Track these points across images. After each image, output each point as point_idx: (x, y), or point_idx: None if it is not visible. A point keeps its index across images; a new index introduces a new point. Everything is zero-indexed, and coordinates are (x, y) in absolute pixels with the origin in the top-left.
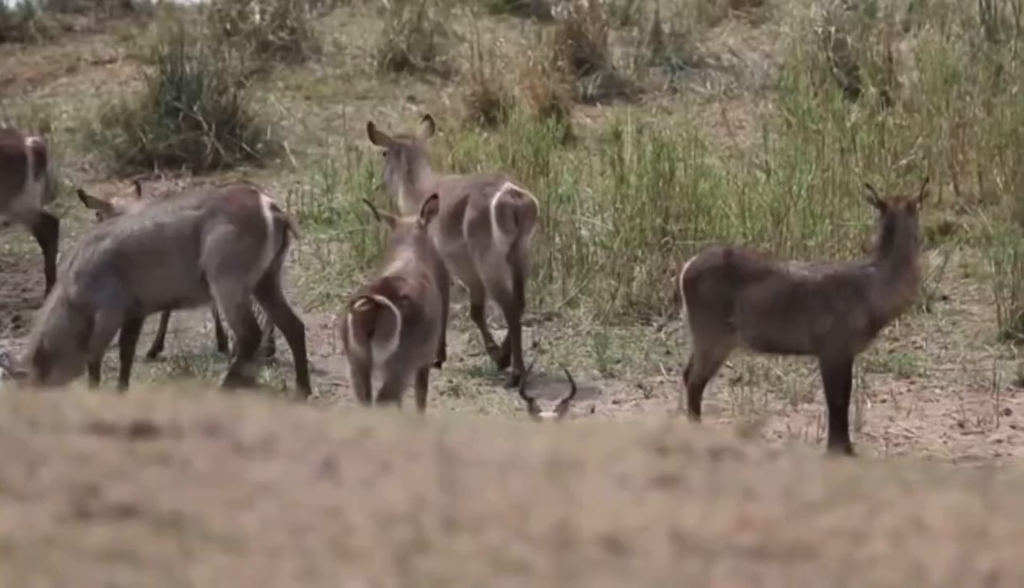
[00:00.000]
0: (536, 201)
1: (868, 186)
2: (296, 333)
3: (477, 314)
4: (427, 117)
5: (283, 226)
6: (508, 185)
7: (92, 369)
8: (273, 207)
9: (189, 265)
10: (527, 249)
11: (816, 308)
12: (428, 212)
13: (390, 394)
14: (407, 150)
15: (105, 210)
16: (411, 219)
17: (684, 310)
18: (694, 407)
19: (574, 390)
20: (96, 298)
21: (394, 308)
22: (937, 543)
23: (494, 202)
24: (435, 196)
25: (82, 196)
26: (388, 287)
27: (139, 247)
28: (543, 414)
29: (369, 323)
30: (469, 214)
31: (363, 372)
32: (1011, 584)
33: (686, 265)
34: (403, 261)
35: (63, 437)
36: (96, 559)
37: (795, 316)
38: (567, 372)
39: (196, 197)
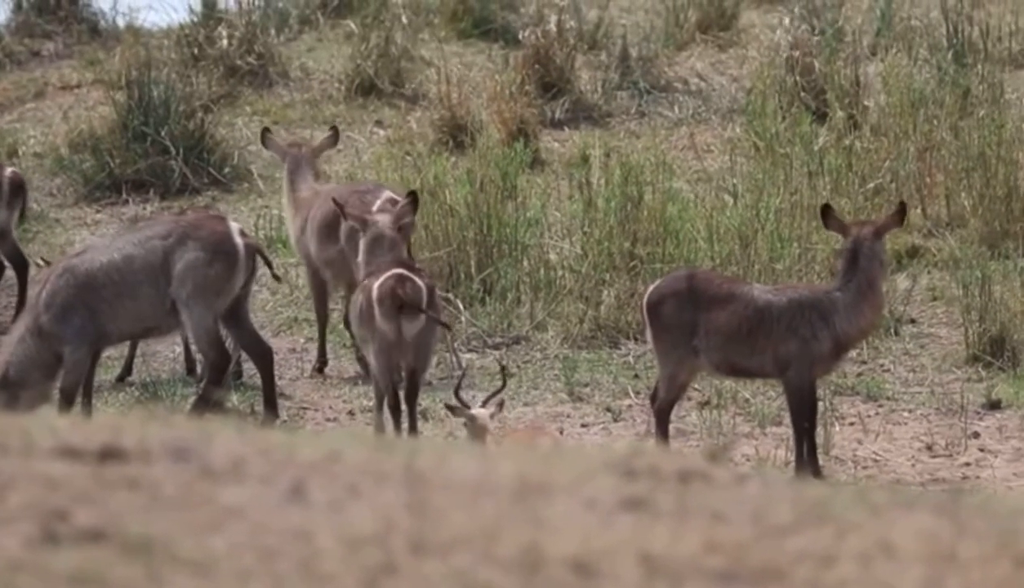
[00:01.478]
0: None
1: (826, 206)
2: (264, 358)
3: (348, 323)
4: (333, 127)
5: (252, 252)
6: (387, 194)
7: (65, 398)
8: (242, 232)
9: (160, 295)
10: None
11: (780, 332)
12: (399, 217)
13: (421, 369)
14: (291, 158)
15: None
16: (384, 220)
17: (649, 333)
18: (662, 430)
19: (505, 383)
20: (64, 331)
21: (420, 281)
22: (905, 566)
23: (373, 210)
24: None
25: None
26: (406, 265)
27: (108, 280)
28: (475, 411)
29: (397, 298)
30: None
31: (389, 351)
32: None
33: (650, 289)
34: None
35: (31, 461)
36: (65, 583)
37: (759, 340)
38: (500, 364)
39: (163, 226)
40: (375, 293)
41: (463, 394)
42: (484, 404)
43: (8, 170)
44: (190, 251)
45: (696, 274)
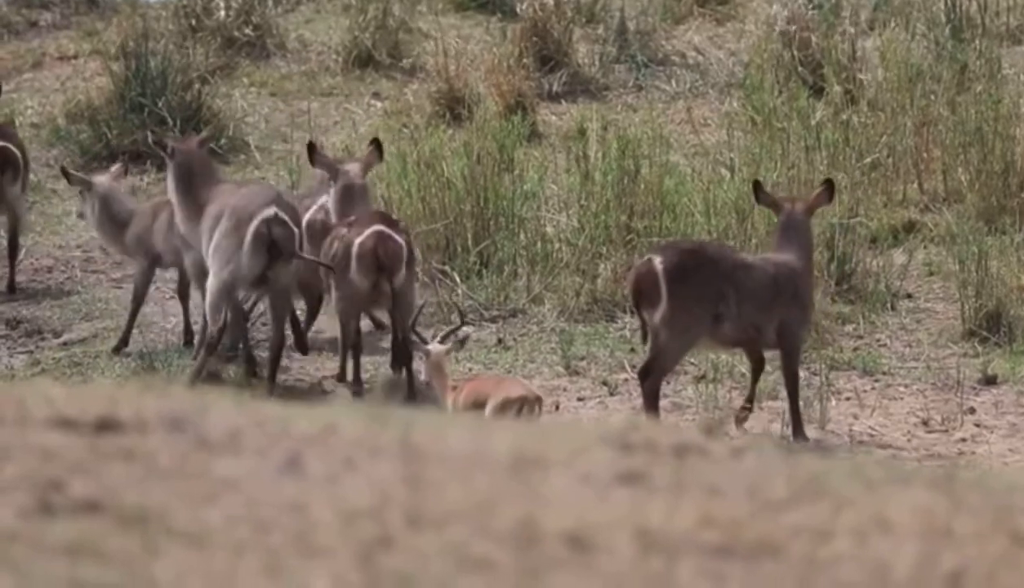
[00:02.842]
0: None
1: (756, 183)
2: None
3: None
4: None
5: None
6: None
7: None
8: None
9: None
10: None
11: (786, 300)
12: (368, 165)
13: (406, 316)
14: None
15: (87, 188)
16: (355, 169)
17: (666, 305)
18: (654, 407)
19: (463, 320)
20: None
21: (399, 238)
22: (901, 541)
23: (256, 220)
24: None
25: (64, 173)
26: (386, 219)
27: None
28: (430, 347)
29: (377, 259)
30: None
31: (358, 303)
32: (974, 582)
33: (661, 260)
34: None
35: (27, 432)
36: (60, 554)
37: (775, 308)
38: (456, 305)
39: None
40: (355, 249)
41: (422, 331)
42: (442, 340)
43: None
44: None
45: (706, 243)
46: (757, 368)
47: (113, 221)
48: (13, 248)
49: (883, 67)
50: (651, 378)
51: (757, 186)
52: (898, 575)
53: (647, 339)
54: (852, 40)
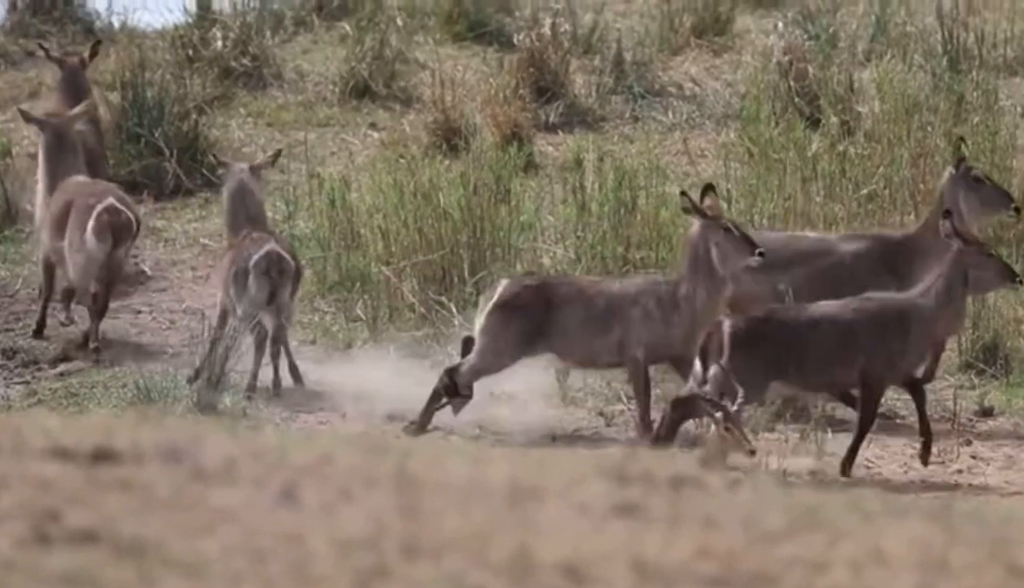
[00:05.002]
0: (136, 219)
1: (684, 193)
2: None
3: (68, 296)
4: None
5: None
6: (111, 201)
7: None
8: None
9: None
10: (120, 261)
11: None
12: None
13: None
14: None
15: (41, 127)
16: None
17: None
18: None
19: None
20: None
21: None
22: (897, 573)
23: (94, 213)
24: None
25: (22, 113)
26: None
27: None
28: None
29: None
30: (72, 218)
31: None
32: None
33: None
34: None
35: (24, 462)
36: (56, 584)
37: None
38: None
39: None
40: (252, 264)
41: None
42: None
43: None
44: None
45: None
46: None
47: None
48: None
49: (880, 98)
50: None
51: (683, 196)
52: None
53: None
54: (849, 71)
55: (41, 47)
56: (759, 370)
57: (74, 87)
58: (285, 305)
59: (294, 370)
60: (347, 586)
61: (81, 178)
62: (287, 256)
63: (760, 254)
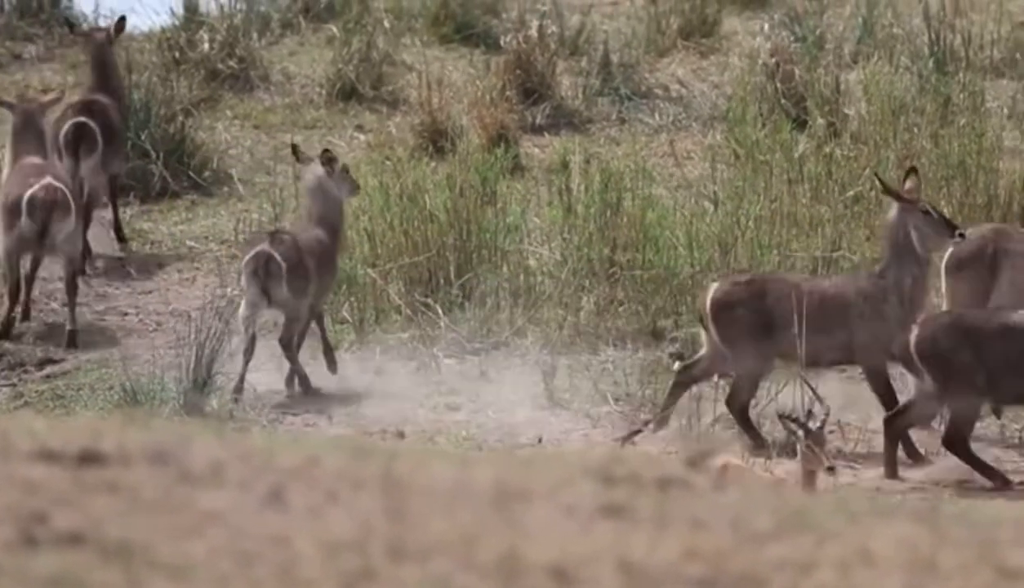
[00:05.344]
0: (68, 197)
1: (876, 175)
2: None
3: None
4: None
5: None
6: (48, 180)
7: None
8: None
9: None
10: (54, 241)
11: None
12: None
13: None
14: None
15: (10, 110)
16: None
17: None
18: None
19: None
20: None
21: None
22: (885, 574)
23: (27, 194)
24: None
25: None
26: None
27: None
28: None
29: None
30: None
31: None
32: None
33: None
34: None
35: (10, 464)
36: (43, 587)
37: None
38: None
39: None
40: (243, 264)
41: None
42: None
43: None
44: None
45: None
46: None
47: None
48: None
49: (866, 100)
50: None
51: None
52: None
53: None
54: (835, 73)
55: (68, 23)
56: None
57: (101, 63)
58: (283, 304)
59: (295, 376)
60: None
61: (35, 160)
62: (277, 256)
63: (960, 236)
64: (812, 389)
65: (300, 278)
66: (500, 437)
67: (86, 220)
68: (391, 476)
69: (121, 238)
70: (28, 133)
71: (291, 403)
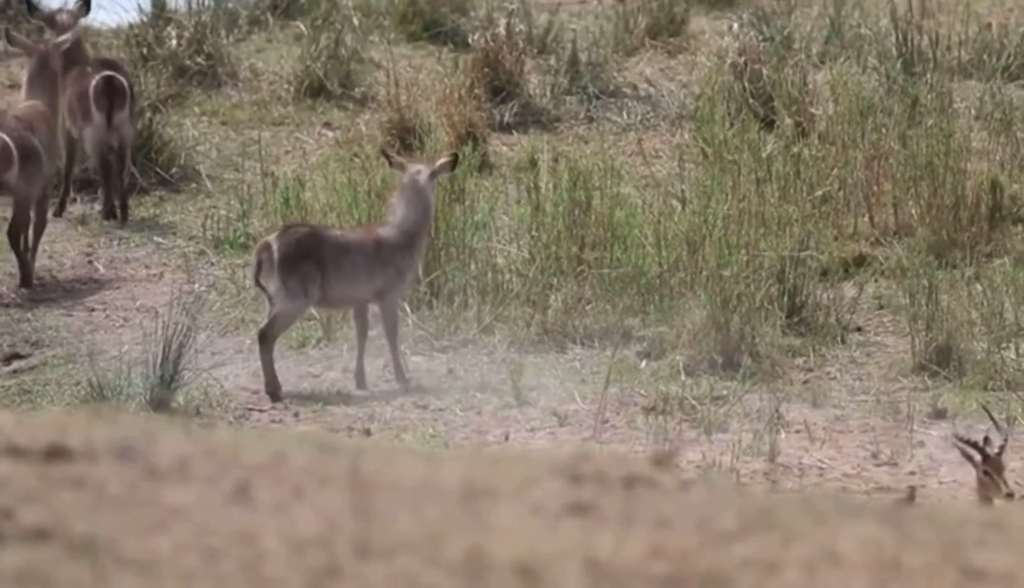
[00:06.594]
0: (11, 148)
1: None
2: None
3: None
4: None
5: None
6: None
7: None
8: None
9: None
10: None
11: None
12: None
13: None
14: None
15: (27, 52)
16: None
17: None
18: None
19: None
20: None
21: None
22: (850, 574)
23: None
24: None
25: (8, 35)
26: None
27: None
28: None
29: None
30: None
31: None
32: None
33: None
34: None
35: None
36: (9, 583)
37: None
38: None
39: None
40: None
41: None
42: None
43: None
44: None
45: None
46: None
47: None
48: (120, 169)
49: (834, 100)
50: None
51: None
52: None
53: None
54: (803, 73)
55: (28, 5)
56: None
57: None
58: (275, 296)
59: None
60: (300, 585)
61: (34, 103)
62: (274, 247)
63: None
64: (991, 415)
65: (290, 270)
66: (467, 435)
67: (120, 170)
68: (358, 473)
69: (124, 215)
70: (42, 77)
71: (257, 400)
